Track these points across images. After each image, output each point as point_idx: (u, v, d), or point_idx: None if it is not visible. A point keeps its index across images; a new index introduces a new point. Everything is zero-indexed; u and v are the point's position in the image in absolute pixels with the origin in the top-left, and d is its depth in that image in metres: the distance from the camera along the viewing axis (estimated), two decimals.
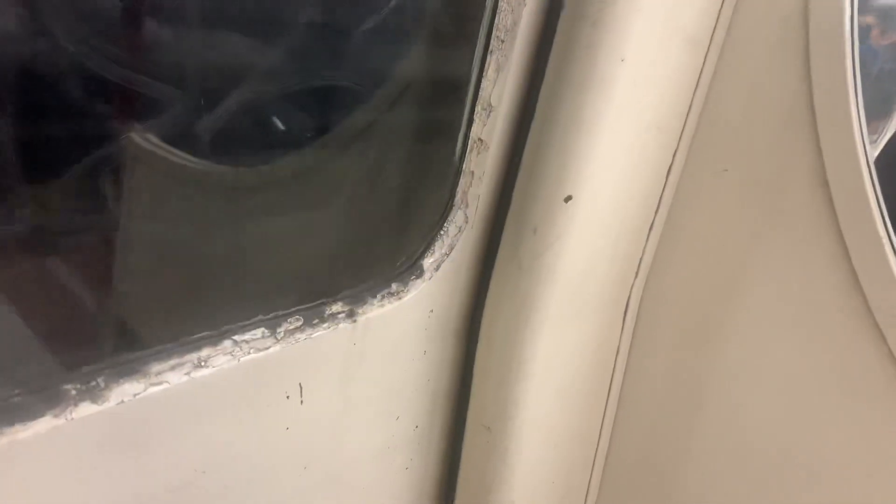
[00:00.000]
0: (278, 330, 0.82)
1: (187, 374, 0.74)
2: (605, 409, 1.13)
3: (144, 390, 0.70)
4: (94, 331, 0.80)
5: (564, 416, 1.08)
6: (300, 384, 0.86)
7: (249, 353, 0.79)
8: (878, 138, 1.58)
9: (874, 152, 0.96)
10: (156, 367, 0.72)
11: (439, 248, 0.97)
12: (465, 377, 1.05)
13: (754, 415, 1.03)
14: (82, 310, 0.80)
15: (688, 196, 1.03)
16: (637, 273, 1.06)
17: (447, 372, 1.06)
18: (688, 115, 1.00)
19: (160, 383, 0.71)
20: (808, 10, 0.92)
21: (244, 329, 0.80)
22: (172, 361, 0.73)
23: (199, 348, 0.75)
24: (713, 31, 0.95)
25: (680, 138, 1.01)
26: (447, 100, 0.96)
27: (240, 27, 0.88)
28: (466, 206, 0.97)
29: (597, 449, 1.15)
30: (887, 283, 0.90)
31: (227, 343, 0.78)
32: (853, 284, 0.92)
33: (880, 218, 0.90)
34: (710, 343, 1.04)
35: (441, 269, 0.97)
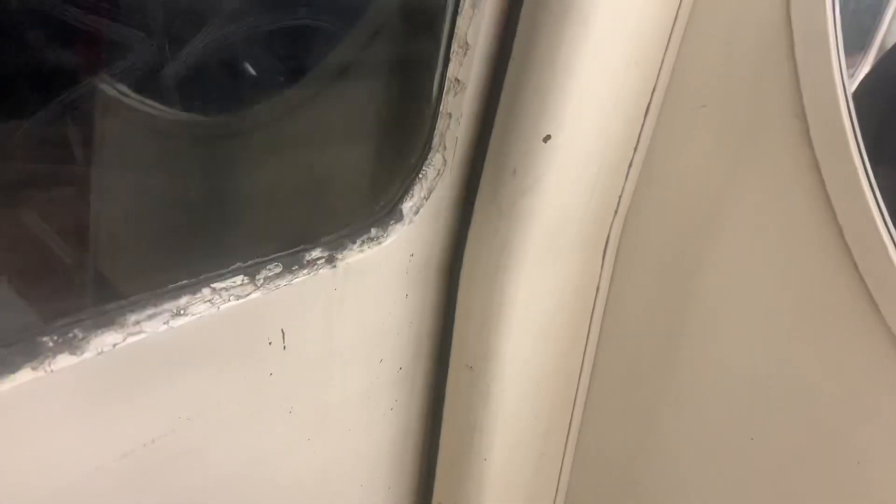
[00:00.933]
0: (258, 277, 0.82)
1: (166, 323, 0.74)
2: (586, 348, 1.14)
3: (123, 340, 0.70)
4: (69, 282, 0.79)
5: (546, 355, 1.09)
6: (282, 330, 0.86)
7: (229, 300, 0.79)
8: (854, 71, 1.57)
9: (851, 86, 0.96)
10: (133, 317, 0.71)
11: (418, 191, 0.97)
12: (447, 319, 1.06)
13: (733, 348, 1.05)
14: (56, 260, 0.79)
15: (667, 132, 1.03)
16: (616, 211, 1.06)
17: (429, 314, 1.06)
18: (666, 50, 0.98)
19: (139, 333, 0.71)
20: None
21: (223, 277, 0.79)
22: (150, 311, 0.73)
23: (177, 297, 0.75)
24: None
25: (658, 74, 1.00)
26: (422, 38, 0.93)
27: None
28: (444, 148, 0.96)
29: (577, 385, 1.17)
30: (862, 214, 0.90)
31: (205, 291, 0.77)
32: (829, 216, 0.93)
33: (857, 151, 0.90)
34: (688, 279, 1.06)
35: (420, 212, 0.97)
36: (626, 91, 0.97)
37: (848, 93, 0.91)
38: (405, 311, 1.03)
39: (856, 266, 0.93)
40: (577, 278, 1.08)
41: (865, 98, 1.30)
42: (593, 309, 1.11)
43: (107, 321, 0.69)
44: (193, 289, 0.77)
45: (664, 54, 0.98)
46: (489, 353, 1.04)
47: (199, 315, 0.76)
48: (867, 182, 0.91)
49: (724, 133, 0.99)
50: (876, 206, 0.91)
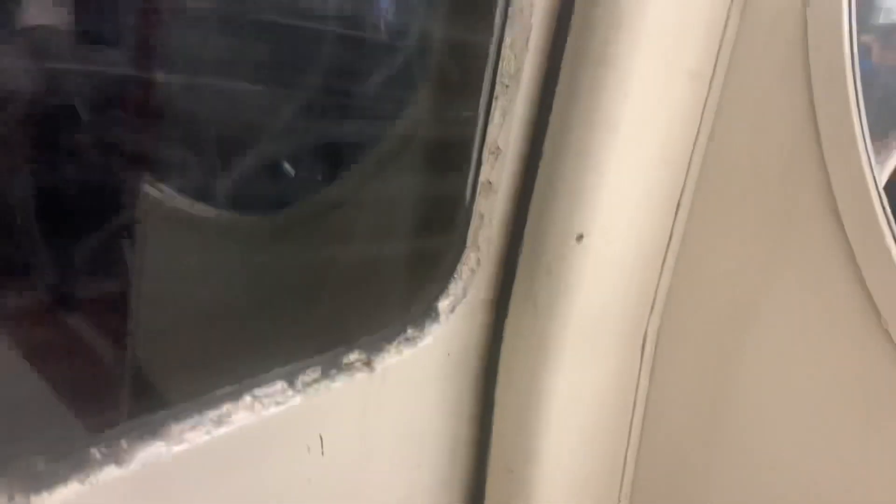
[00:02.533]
0: (296, 381, 0.83)
1: (208, 432, 0.74)
2: (628, 446, 1.11)
3: (167, 451, 0.70)
4: (116, 391, 0.80)
5: (587, 455, 1.07)
6: (320, 436, 0.86)
7: (270, 407, 0.79)
8: (885, 158, 1.58)
9: (883, 175, 0.96)
10: (178, 427, 0.72)
11: (453, 290, 0.98)
12: (485, 421, 1.05)
13: (776, 444, 1.01)
14: (104, 371, 0.80)
15: (698, 229, 1.03)
16: (652, 308, 1.06)
17: (467, 417, 1.05)
18: (694, 148, 1.00)
19: (182, 443, 0.71)
20: (807, 38, 0.93)
21: (263, 382, 0.80)
22: (193, 420, 0.73)
23: (219, 405, 0.75)
24: (715, 65, 0.96)
25: (688, 172, 1.01)
26: (456, 145, 0.97)
27: (260, 83, 0.90)
28: (478, 248, 0.98)
29: (621, 486, 1.14)
30: None
31: (247, 398, 0.78)
32: (870, 312, 0.92)
33: (893, 243, 0.90)
34: (728, 376, 1.04)
35: (456, 311, 0.97)
36: (656, 189, 0.99)
37: (879, 185, 0.92)
38: (442, 414, 1.02)
39: None
40: (616, 376, 1.06)
41: None
42: (634, 406, 1.09)
43: (152, 431, 0.70)
44: (235, 395, 0.77)
45: (692, 152, 1.00)
46: (529, 455, 1.02)
47: (240, 424, 0.76)
48: None
49: (757, 230, 0.99)
50: None
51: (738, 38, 0.96)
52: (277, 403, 0.80)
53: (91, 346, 0.83)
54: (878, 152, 0.98)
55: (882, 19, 3.18)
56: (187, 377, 0.81)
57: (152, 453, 0.69)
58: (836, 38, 0.90)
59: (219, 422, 0.75)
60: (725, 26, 0.95)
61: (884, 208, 0.90)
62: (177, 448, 0.71)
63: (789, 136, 0.95)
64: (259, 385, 0.80)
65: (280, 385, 0.81)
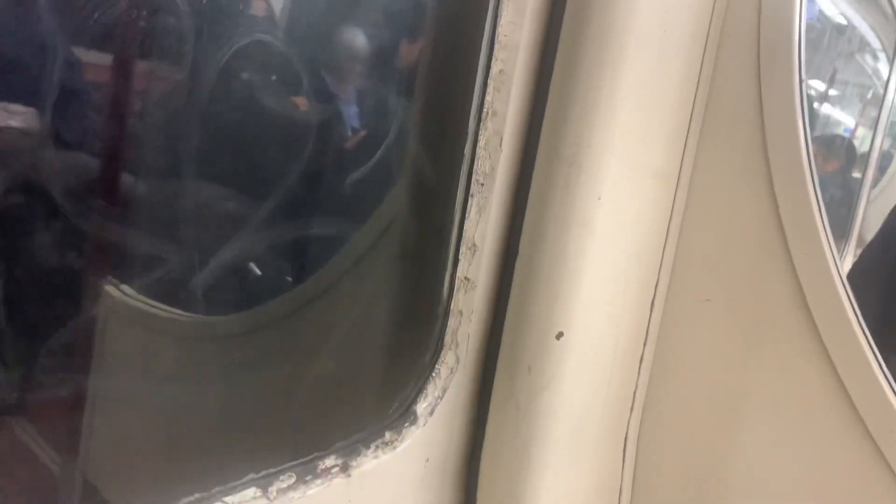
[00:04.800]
0: (270, 489, 0.78)
1: None
2: None
3: None
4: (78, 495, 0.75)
5: None
6: None
7: None
8: (840, 258, 1.63)
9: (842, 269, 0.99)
10: None
11: (432, 391, 0.95)
12: None
13: None
14: (52, 482, 0.75)
15: (673, 326, 1.04)
16: (632, 407, 1.05)
17: None
18: (665, 246, 1.03)
19: None
20: (765, 141, 0.98)
21: (235, 489, 0.75)
22: None
23: None
24: (680, 166, 1.00)
25: (660, 270, 1.03)
26: (432, 242, 0.97)
27: (228, 179, 0.90)
28: (457, 346, 0.96)
29: None
30: (878, 399, 0.90)
31: None
32: (846, 404, 0.92)
33: (862, 335, 0.92)
34: (710, 473, 1.01)
35: (435, 413, 0.95)
36: (630, 286, 1.00)
37: (844, 279, 0.95)
38: None
39: (880, 452, 0.91)
40: (599, 478, 1.03)
41: (860, 279, 1.35)
42: None
43: None
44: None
45: (663, 250, 1.02)
46: None
47: None
48: (878, 366, 0.92)
49: (730, 326, 1.00)
50: (891, 390, 0.91)
51: (701, 140, 1.01)
52: None
53: (40, 454, 0.77)
54: None
55: (823, 131, 3.40)
56: (150, 488, 0.76)
57: None
58: (793, 140, 0.95)
59: None
60: (688, 129, 1.00)
61: (850, 299, 0.92)
62: None
63: (755, 236, 0.98)
64: (230, 492, 0.75)
65: (253, 492, 0.76)
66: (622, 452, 1.04)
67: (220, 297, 1.00)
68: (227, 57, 0.92)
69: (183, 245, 0.93)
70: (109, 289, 0.88)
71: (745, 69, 0.99)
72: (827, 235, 0.95)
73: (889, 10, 2.80)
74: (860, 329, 0.92)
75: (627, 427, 1.04)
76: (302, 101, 1.04)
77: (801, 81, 0.98)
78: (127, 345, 0.90)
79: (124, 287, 0.89)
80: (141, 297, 0.91)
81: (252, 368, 0.98)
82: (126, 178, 0.88)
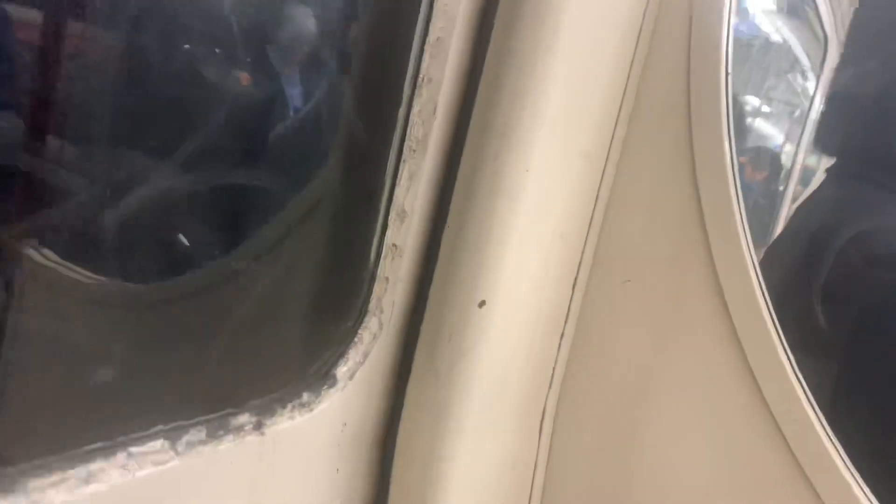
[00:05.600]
0: (179, 442, 0.76)
1: (72, 491, 0.66)
2: None
3: None
4: None
5: None
6: (203, 502, 0.78)
7: (146, 466, 0.72)
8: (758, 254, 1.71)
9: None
10: (35, 484, 0.64)
11: (353, 355, 0.95)
12: (381, 494, 1.00)
13: None
14: None
15: (595, 305, 1.06)
16: (551, 382, 1.07)
17: (362, 490, 1.00)
18: (590, 226, 1.05)
19: (39, 502, 0.63)
20: (692, 136, 1.01)
21: (141, 440, 0.73)
22: (55, 477, 0.65)
23: (88, 461, 0.68)
24: (609, 149, 1.03)
25: (584, 248, 1.05)
26: (362, 207, 0.97)
27: (156, 145, 0.88)
28: (381, 312, 0.96)
29: None
30: (783, 386, 0.94)
31: (121, 456, 0.71)
32: (752, 388, 0.96)
33: (771, 321, 0.96)
34: (624, 450, 1.04)
35: (355, 377, 0.94)
36: (554, 262, 1.02)
37: (757, 268, 0.99)
38: (336, 487, 0.96)
39: (782, 434, 0.95)
40: (514, 451, 1.04)
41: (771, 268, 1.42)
42: (532, 484, 1.07)
43: (4, 487, 0.61)
44: (107, 452, 0.70)
45: (588, 229, 1.04)
46: None
47: (111, 483, 0.69)
48: (785, 355, 0.96)
49: (648, 308, 1.03)
50: (794, 376, 0.95)
51: (631, 126, 1.04)
52: (155, 464, 0.73)
53: None
54: None
55: (752, 143, 3.54)
56: (54, 433, 0.73)
57: None
58: (717, 133, 0.99)
59: (87, 480, 0.67)
60: (618, 115, 1.03)
61: (762, 287, 0.96)
62: None
63: (676, 221, 1.01)
64: (136, 443, 0.73)
65: (160, 443, 0.74)
66: (539, 425, 1.06)
67: (144, 265, 0.97)
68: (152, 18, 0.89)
69: (108, 211, 0.90)
70: (31, 252, 0.85)
71: (676, 61, 1.02)
72: (744, 225, 0.99)
73: (819, 32, 2.93)
74: (769, 316, 0.96)
75: (546, 401, 1.06)
76: (232, 67, 1.01)
77: (727, 75, 1.02)
78: (44, 309, 0.87)
79: (45, 251, 0.86)
80: (63, 263, 0.88)
81: (172, 330, 0.95)
82: (53, 142, 0.84)
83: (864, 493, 0.90)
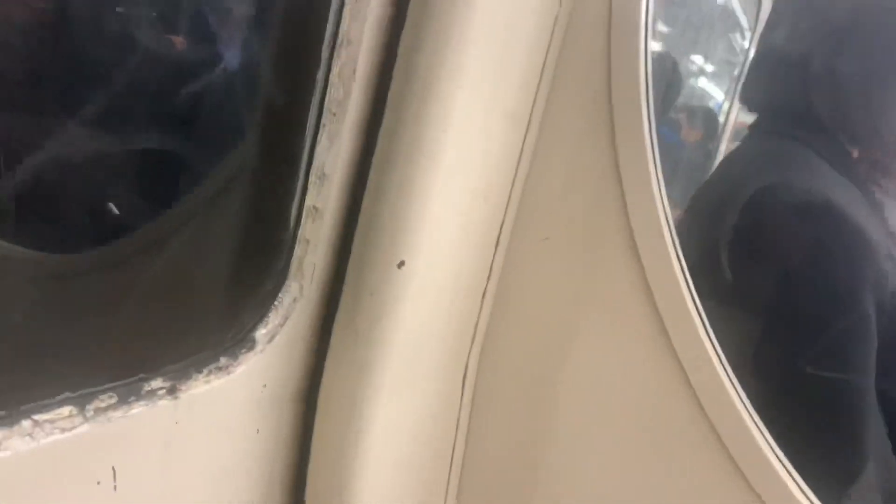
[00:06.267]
0: (88, 407, 0.75)
1: None
2: (449, 478, 1.11)
3: None
4: None
5: (406, 489, 1.05)
6: (113, 468, 0.78)
7: (53, 433, 0.71)
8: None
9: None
10: None
11: (273, 318, 0.94)
12: (303, 454, 1.01)
13: (591, 473, 1.06)
14: None
15: (516, 263, 1.08)
16: (473, 339, 1.09)
17: (283, 450, 1.01)
18: (513, 185, 1.06)
19: None
20: (611, 95, 1.02)
21: (47, 407, 0.72)
22: None
23: None
24: (532, 108, 1.03)
25: (506, 208, 1.07)
26: (282, 169, 0.96)
27: (48, 90, 0.85)
28: (302, 275, 0.96)
29: None
30: (688, 333, 0.98)
31: (25, 423, 0.70)
32: (663, 339, 1.00)
33: (682, 274, 0.99)
34: (543, 404, 1.07)
35: (275, 340, 0.94)
36: (476, 222, 1.02)
37: (671, 225, 1.02)
38: (256, 448, 0.97)
39: (690, 385, 0.99)
40: (436, 408, 1.07)
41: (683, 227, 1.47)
42: (455, 440, 1.10)
43: None
44: (11, 420, 0.69)
45: (511, 189, 1.05)
46: (345, 491, 0.99)
47: (14, 450, 0.68)
48: (694, 306, 0.99)
49: (566, 264, 1.06)
50: (703, 328, 0.99)
51: (554, 84, 1.04)
52: (62, 430, 0.73)
53: None
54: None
55: (689, 100, 3.59)
56: None
57: None
58: (634, 92, 1.00)
59: None
60: (542, 72, 1.03)
61: (674, 243, 0.99)
62: None
63: (595, 181, 1.03)
64: (41, 410, 0.72)
65: (67, 410, 0.73)
66: (461, 381, 1.08)
67: (55, 232, 0.94)
68: None
69: (11, 176, 0.86)
70: None
71: (598, 18, 1.02)
72: (659, 183, 1.01)
73: None
74: (680, 268, 0.99)
75: (468, 356, 1.08)
76: (144, 27, 0.98)
77: (646, 33, 1.03)
78: None
79: None
80: None
81: (85, 298, 0.93)
82: None
83: (765, 437, 0.95)
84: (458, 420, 1.10)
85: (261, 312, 0.94)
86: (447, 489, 1.12)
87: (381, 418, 0.97)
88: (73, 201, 0.96)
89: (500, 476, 1.11)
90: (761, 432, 0.96)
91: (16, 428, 0.69)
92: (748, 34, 3.51)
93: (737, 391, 0.95)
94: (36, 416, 0.71)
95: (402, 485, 1.04)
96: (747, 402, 0.96)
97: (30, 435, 0.70)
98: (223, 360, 0.89)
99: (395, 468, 1.02)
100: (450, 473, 1.11)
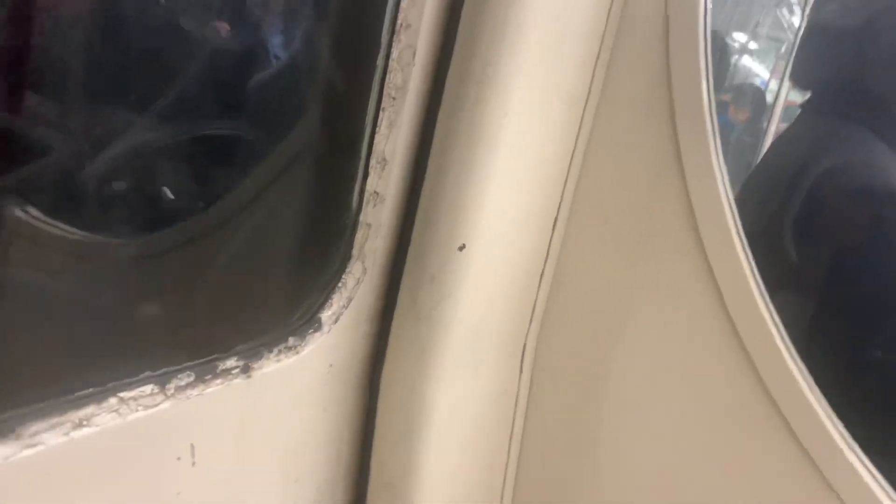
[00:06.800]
0: (168, 386, 0.78)
1: (66, 434, 0.68)
2: (508, 457, 1.13)
3: (17, 453, 0.64)
4: None
5: (467, 467, 1.07)
6: (192, 444, 0.81)
7: (137, 410, 0.75)
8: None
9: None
10: (31, 427, 0.66)
11: (337, 300, 0.97)
12: (368, 433, 1.03)
13: (645, 452, 1.06)
14: None
15: (574, 245, 1.09)
16: (531, 320, 1.09)
17: (348, 429, 1.03)
18: (569, 167, 1.06)
19: (36, 445, 0.66)
20: (670, 74, 1.01)
21: (131, 385, 0.75)
22: (51, 420, 0.67)
23: (80, 406, 0.70)
24: (589, 90, 1.03)
25: (563, 190, 1.07)
26: (343, 154, 0.97)
27: (137, 100, 0.87)
28: (364, 257, 0.98)
29: (501, 498, 1.15)
30: (754, 314, 0.97)
31: (112, 400, 0.73)
32: (724, 319, 0.99)
33: (745, 255, 0.98)
34: (602, 385, 1.08)
35: (340, 321, 0.96)
36: (534, 204, 1.03)
37: (734, 207, 1.01)
38: (324, 426, 1.00)
39: (754, 367, 0.98)
40: (496, 388, 1.08)
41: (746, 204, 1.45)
42: (514, 417, 1.11)
43: (0, 431, 0.64)
44: (99, 397, 0.72)
45: (568, 171, 1.05)
46: (409, 468, 1.01)
47: (103, 426, 0.71)
48: (756, 286, 0.99)
49: (625, 246, 1.06)
50: (767, 310, 0.98)
51: (611, 65, 1.04)
52: (145, 407, 0.76)
53: None
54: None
55: (737, 80, 3.52)
56: (47, 379, 0.75)
57: (0, 455, 0.63)
58: (695, 71, 0.99)
59: (79, 423, 0.69)
60: (598, 53, 1.03)
61: (736, 223, 0.98)
62: (29, 450, 0.65)
63: (655, 163, 1.03)
64: (126, 388, 0.75)
65: (149, 388, 0.77)
66: (520, 362, 1.09)
67: (129, 218, 0.97)
68: None
69: (89, 166, 0.90)
70: (15, 211, 0.85)
71: None
72: (720, 163, 1.01)
73: None
74: (743, 251, 0.99)
75: (526, 339, 1.09)
76: (209, 16, 1.00)
77: (706, 12, 1.02)
78: (31, 265, 0.88)
79: (29, 209, 0.86)
80: (47, 220, 0.88)
81: (158, 276, 0.97)
82: (31, 98, 0.84)
83: (832, 420, 0.94)
84: (517, 400, 1.11)
85: (325, 294, 0.97)
86: (506, 468, 1.13)
87: (443, 399, 0.98)
88: (149, 188, 0.99)
89: (559, 456, 1.12)
90: (831, 420, 0.94)
91: (104, 404, 0.72)
92: (797, 9, 3.42)
93: (804, 377, 0.94)
94: (121, 394, 0.74)
95: (464, 463, 1.06)
96: (816, 388, 0.95)
97: (116, 411, 0.73)
98: (291, 340, 0.92)
99: (458, 447, 1.04)
100: (509, 452, 1.13)
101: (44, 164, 0.86)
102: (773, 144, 1.61)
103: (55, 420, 0.68)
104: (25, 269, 0.84)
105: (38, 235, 0.85)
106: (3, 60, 0.77)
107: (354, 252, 0.98)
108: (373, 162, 0.96)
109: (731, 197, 1.01)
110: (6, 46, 0.80)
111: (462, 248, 0.95)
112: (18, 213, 0.84)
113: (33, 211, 0.85)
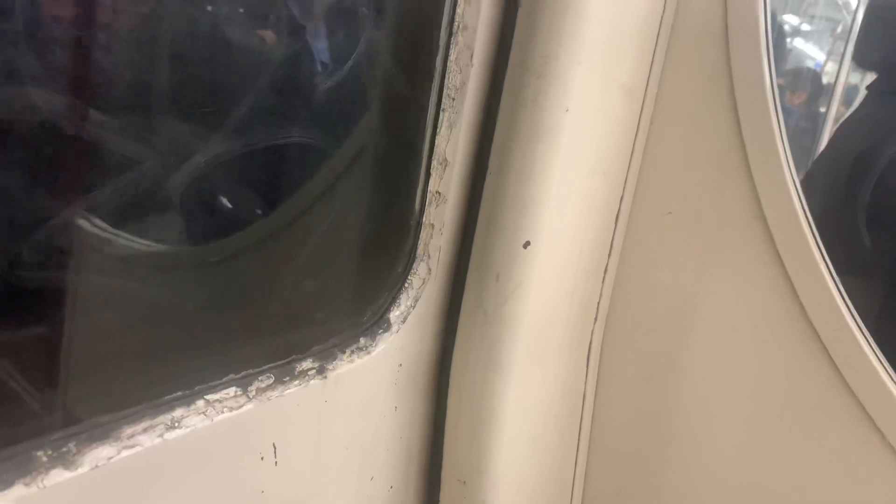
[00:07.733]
0: (250, 388, 0.81)
1: (160, 435, 0.72)
2: (577, 453, 1.13)
3: (117, 454, 0.68)
4: (63, 395, 0.77)
5: (537, 463, 1.08)
6: (274, 444, 0.84)
7: (223, 412, 0.78)
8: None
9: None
10: (128, 430, 0.69)
11: (405, 300, 0.99)
12: (438, 431, 1.05)
13: (718, 444, 1.05)
14: (49, 375, 0.77)
15: (637, 238, 1.08)
16: (596, 316, 1.09)
17: (419, 427, 1.05)
18: (630, 160, 1.06)
19: (133, 446, 0.69)
20: (730, 61, 1.00)
21: (216, 388, 0.78)
22: (145, 423, 0.71)
23: (171, 409, 0.73)
24: (647, 82, 1.03)
25: (625, 183, 1.06)
26: (404, 156, 0.99)
27: (197, 110, 0.90)
28: (429, 257, 0.99)
29: (572, 494, 1.15)
30: (827, 304, 0.95)
31: (199, 403, 0.76)
32: (796, 310, 0.97)
33: (815, 244, 0.97)
34: (670, 379, 1.07)
35: (408, 321, 0.98)
36: (596, 199, 1.03)
37: (800, 192, 0.99)
38: (395, 425, 1.01)
39: (830, 357, 0.96)
40: (563, 384, 1.08)
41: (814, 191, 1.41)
42: (582, 413, 1.11)
43: (102, 434, 0.67)
44: (188, 400, 0.75)
45: (629, 164, 1.05)
46: (482, 465, 1.02)
47: (192, 427, 0.75)
48: (829, 273, 0.97)
49: (690, 237, 1.04)
50: (840, 297, 0.96)
51: (668, 55, 1.03)
52: (230, 409, 0.79)
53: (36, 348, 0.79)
54: None
55: (791, 63, 3.43)
56: (140, 384, 0.79)
57: (102, 456, 0.66)
58: (756, 58, 0.97)
59: (171, 425, 0.73)
60: (656, 44, 1.02)
61: (805, 212, 0.97)
62: (128, 451, 0.68)
63: (717, 153, 1.01)
64: (211, 391, 0.78)
65: (233, 391, 0.80)
66: (586, 358, 1.09)
67: (201, 227, 1.00)
68: None
69: (160, 179, 0.93)
70: (82, 223, 0.89)
71: None
72: (785, 149, 0.99)
73: None
74: (813, 238, 0.97)
75: (591, 335, 1.09)
76: (270, 23, 1.03)
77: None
78: (103, 275, 0.92)
79: (96, 221, 0.90)
80: (113, 231, 0.92)
81: (231, 286, 1.00)
82: (98, 115, 0.87)
83: None
84: (585, 395, 1.11)
85: (393, 294, 0.99)
86: (576, 462, 1.14)
87: (511, 396, 0.99)
88: (215, 198, 1.03)
89: (627, 449, 1.12)
90: None
91: (192, 407, 0.76)
92: None
93: (881, 361, 0.92)
94: (208, 396, 0.77)
95: (534, 460, 1.07)
96: (890, 369, 0.92)
97: (204, 413, 0.76)
98: (363, 341, 0.94)
99: (527, 444, 1.04)
100: (578, 447, 1.13)
101: (131, 179, 0.90)
102: (839, 128, 1.57)
103: (150, 423, 0.71)
104: (116, 280, 0.88)
105: (128, 251, 0.89)
106: (71, 78, 0.81)
107: (419, 252, 0.99)
108: (434, 163, 0.97)
109: (798, 183, 0.99)
110: (74, 65, 0.84)
111: (527, 245, 0.96)
112: (89, 226, 0.88)
113: (101, 223, 0.89)
